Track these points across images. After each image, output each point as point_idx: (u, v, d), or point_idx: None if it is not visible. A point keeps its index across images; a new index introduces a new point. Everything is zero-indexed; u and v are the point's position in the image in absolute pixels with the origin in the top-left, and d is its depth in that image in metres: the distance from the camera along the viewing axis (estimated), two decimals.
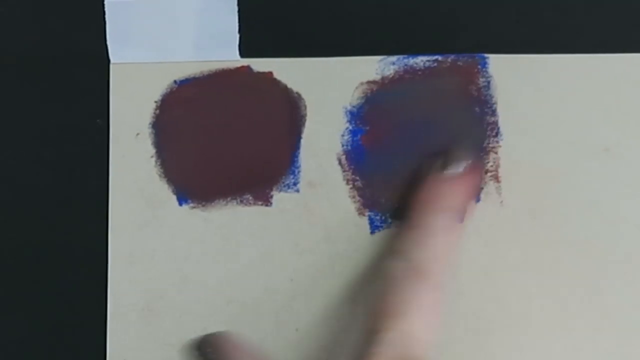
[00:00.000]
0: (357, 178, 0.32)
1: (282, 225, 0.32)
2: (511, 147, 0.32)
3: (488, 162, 0.32)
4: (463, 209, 0.30)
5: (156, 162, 0.33)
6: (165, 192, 0.33)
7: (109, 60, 0.33)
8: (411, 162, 0.32)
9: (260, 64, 0.33)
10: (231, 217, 0.33)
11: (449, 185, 0.30)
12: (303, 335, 0.32)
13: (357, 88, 0.33)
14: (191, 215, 0.33)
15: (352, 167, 0.32)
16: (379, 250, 0.32)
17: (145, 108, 0.33)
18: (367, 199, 0.32)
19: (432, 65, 0.32)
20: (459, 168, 0.30)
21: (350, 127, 0.32)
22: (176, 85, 0.33)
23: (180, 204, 0.33)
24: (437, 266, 0.28)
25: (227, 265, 0.33)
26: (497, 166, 0.32)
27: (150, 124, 0.33)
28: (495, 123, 0.32)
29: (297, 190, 0.32)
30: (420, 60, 0.32)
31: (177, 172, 0.33)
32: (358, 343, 0.27)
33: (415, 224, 0.29)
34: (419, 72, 0.32)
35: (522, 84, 0.32)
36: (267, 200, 0.33)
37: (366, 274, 0.32)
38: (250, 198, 0.33)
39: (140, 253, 0.33)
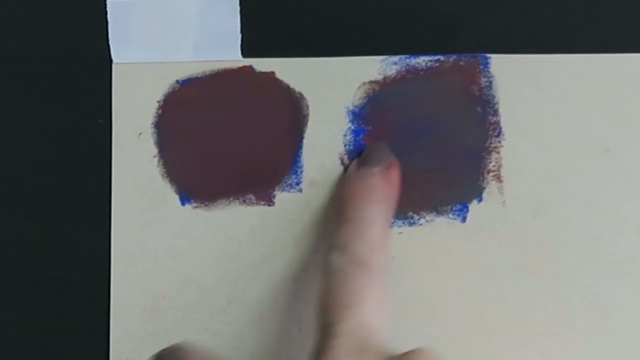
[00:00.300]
0: None
1: (285, 225, 0.32)
2: (513, 147, 0.32)
3: (490, 162, 0.32)
4: (389, 201, 0.30)
5: (158, 161, 0.33)
6: (167, 192, 0.33)
7: (111, 60, 0.33)
8: (413, 162, 0.32)
9: (262, 64, 0.33)
10: (233, 216, 0.33)
11: (371, 179, 0.30)
12: (305, 335, 0.32)
13: (359, 88, 0.33)
14: (193, 215, 0.33)
15: None
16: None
17: (148, 108, 0.33)
18: None
19: (434, 65, 0.32)
20: (373, 169, 0.31)
21: (353, 127, 0.32)
22: (178, 85, 0.33)
23: (183, 204, 0.33)
24: (377, 256, 0.29)
25: (229, 265, 0.32)
26: (499, 166, 0.32)
27: (152, 123, 0.33)
28: (497, 123, 0.32)
29: (300, 190, 0.32)
30: (422, 60, 0.32)
31: (180, 172, 0.33)
32: (316, 339, 0.27)
33: (349, 217, 0.30)
34: (421, 72, 0.32)
35: (524, 84, 0.32)
36: (269, 200, 0.33)
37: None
38: (253, 198, 0.33)
39: (143, 253, 0.33)
